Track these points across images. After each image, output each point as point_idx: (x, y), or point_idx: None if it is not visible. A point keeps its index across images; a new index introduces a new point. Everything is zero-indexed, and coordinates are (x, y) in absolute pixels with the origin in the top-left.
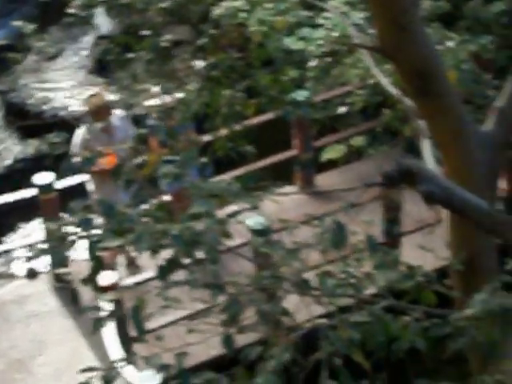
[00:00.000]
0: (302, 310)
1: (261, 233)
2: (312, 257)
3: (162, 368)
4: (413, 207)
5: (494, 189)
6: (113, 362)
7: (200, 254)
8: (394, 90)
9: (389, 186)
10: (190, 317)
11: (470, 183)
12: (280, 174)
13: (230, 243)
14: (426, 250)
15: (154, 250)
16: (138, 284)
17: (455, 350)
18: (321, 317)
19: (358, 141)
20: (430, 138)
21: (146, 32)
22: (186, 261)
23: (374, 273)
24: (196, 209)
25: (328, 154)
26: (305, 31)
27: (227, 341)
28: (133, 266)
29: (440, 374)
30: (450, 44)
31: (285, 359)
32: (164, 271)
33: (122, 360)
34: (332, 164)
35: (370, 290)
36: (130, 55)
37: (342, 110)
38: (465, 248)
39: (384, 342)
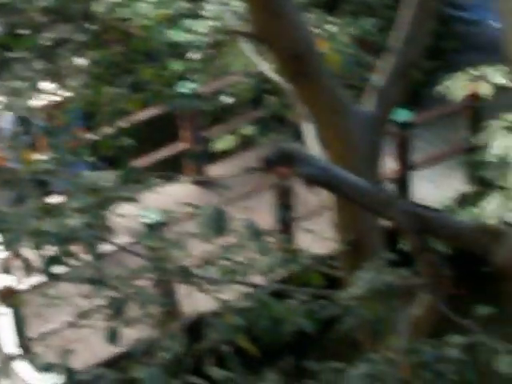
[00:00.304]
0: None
1: (153, 227)
2: (203, 247)
3: (48, 367)
4: (308, 193)
5: (376, 168)
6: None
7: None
8: (276, 77)
9: (268, 171)
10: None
11: (352, 164)
12: (173, 167)
13: (126, 240)
14: (318, 234)
15: (37, 248)
16: (34, 286)
17: (345, 330)
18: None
19: (248, 130)
20: (313, 121)
21: (26, 31)
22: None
23: (258, 258)
24: (73, 204)
25: (218, 145)
26: (188, 23)
27: (112, 335)
28: (29, 269)
29: (341, 358)
30: (333, 28)
31: (174, 350)
32: (46, 269)
33: (11, 360)
34: (226, 154)
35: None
36: (13, 56)
37: (227, 100)
38: (351, 229)
39: (269, 326)
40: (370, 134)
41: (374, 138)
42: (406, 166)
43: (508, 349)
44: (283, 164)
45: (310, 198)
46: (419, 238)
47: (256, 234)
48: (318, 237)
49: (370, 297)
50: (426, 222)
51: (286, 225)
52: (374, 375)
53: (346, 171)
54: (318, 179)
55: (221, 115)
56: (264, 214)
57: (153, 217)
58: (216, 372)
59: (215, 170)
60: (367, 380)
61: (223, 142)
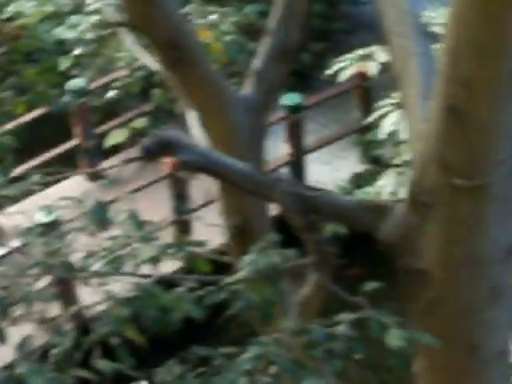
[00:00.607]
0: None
1: (46, 225)
2: (92, 240)
3: None
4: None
5: (261, 151)
6: None
7: None
8: (158, 67)
9: (148, 159)
10: None
11: (234, 148)
12: (68, 164)
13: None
14: (214, 222)
15: None
16: None
17: (236, 315)
18: None
19: (139, 123)
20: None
21: None
22: None
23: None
24: None
25: (111, 140)
26: (73, 19)
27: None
28: None
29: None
30: (214, 17)
31: (64, 345)
32: None
33: None
34: (120, 149)
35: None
36: None
37: (116, 94)
38: (237, 214)
39: (157, 316)
40: (252, 118)
41: (256, 121)
42: (300, 150)
43: (397, 322)
44: (163, 152)
45: (208, 187)
46: (304, 218)
47: (139, 224)
48: (213, 225)
49: (256, 279)
50: (309, 201)
51: (181, 215)
52: (265, 357)
53: (228, 156)
54: (198, 165)
55: (112, 110)
56: (161, 205)
57: (45, 214)
58: (103, 364)
59: (109, 165)
60: (257, 362)
61: (116, 137)
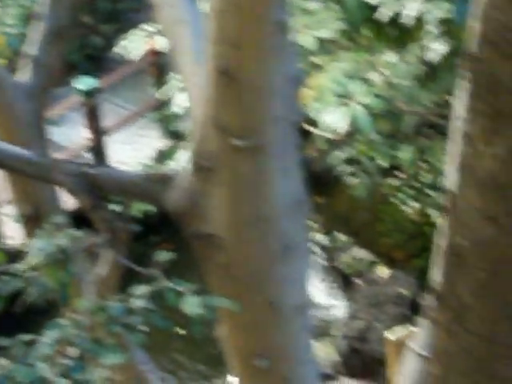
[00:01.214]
0: None
1: None
2: None
3: None
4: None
5: (43, 136)
6: None
7: None
8: None
9: None
10: None
11: (16, 136)
12: None
13: None
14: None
15: None
16: None
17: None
18: None
19: None
20: None
21: None
22: None
23: None
24: None
25: None
26: None
27: None
28: None
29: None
30: None
31: None
32: None
33: None
34: None
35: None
36: None
37: None
38: (28, 202)
39: None
40: (31, 104)
41: (35, 107)
42: (99, 133)
43: (194, 290)
44: None
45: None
46: (88, 197)
47: None
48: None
49: (47, 264)
50: (92, 179)
51: None
52: (64, 340)
53: (7, 144)
54: None
55: None
56: None
57: None
58: None
59: None
60: (56, 346)
61: None
